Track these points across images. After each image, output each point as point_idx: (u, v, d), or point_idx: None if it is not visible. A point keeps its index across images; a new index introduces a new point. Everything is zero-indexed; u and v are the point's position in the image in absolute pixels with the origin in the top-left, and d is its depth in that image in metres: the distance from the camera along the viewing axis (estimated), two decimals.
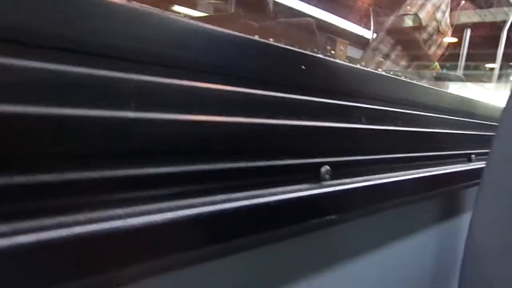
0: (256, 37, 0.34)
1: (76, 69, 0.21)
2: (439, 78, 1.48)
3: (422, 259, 0.62)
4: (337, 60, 0.41)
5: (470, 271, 0.57)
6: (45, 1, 0.20)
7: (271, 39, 0.35)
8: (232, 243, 0.29)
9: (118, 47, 0.23)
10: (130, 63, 0.24)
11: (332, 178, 0.37)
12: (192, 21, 0.28)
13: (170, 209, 0.25)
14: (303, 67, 0.37)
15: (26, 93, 0.19)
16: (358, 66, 0.43)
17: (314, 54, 0.39)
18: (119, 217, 0.22)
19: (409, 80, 0.54)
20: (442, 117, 0.59)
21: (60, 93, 0.20)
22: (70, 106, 0.20)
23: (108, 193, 0.22)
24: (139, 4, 0.26)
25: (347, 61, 0.49)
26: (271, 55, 0.34)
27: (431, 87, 0.59)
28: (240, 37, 0.31)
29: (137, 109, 0.23)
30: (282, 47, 0.35)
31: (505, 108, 0.53)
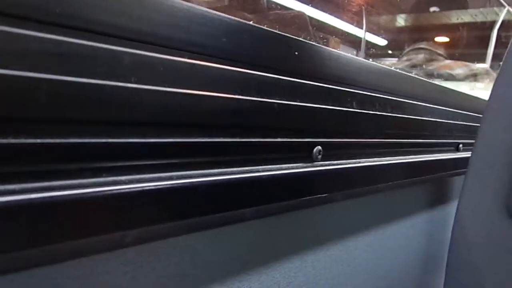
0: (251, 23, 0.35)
1: (79, 42, 0.22)
2: (431, 75, 1.51)
3: (411, 243, 0.64)
4: (328, 48, 0.43)
5: (457, 255, 0.59)
6: None
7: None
8: (226, 215, 0.30)
9: (122, 27, 0.24)
10: (131, 41, 0.25)
11: (323, 159, 0.39)
12: (195, 6, 0.29)
13: (166, 179, 0.26)
14: (296, 53, 0.39)
15: (35, 60, 0.20)
16: (347, 54, 0.45)
17: (307, 41, 0.40)
18: (118, 183, 0.23)
19: (398, 71, 0.55)
20: (431, 107, 0.60)
21: (61, 61, 0.21)
22: (70, 74, 0.21)
23: (109, 160, 0.24)
24: None
25: None
26: (267, 40, 0.35)
27: (421, 78, 0.61)
28: (238, 21, 0.32)
29: (137, 81, 0.24)
30: (277, 33, 0.36)
31: (489, 100, 0.55)
